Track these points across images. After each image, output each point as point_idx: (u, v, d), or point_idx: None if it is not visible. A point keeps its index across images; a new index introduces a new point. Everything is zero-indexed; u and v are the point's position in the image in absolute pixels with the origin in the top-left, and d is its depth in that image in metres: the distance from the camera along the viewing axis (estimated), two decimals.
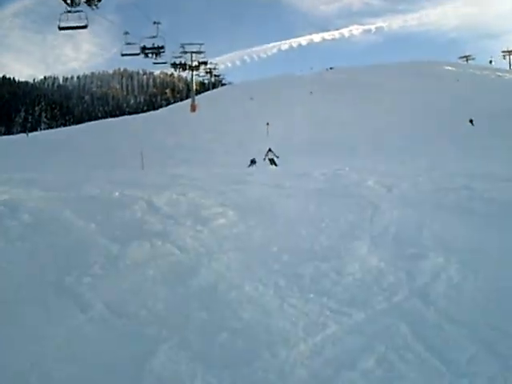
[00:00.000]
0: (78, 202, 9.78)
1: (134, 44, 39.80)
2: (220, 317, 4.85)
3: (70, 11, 27.17)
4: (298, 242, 7.34)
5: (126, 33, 39.33)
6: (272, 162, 34.16)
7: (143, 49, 42.45)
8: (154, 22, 42.43)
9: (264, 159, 33.98)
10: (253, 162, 32.24)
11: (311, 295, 5.25)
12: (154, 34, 42.57)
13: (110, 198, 10.16)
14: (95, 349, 4.38)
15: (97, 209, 9.16)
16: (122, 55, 41.35)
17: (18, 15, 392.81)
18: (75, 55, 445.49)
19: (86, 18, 27.39)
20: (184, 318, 4.87)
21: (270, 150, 35.28)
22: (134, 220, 8.52)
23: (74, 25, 27.74)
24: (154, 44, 43.53)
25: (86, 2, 27.85)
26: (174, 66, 58.76)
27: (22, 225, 8.03)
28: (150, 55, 43.84)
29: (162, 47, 43.81)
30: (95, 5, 28.02)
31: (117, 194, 10.48)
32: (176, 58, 56.33)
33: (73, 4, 27.34)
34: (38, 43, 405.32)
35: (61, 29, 28.53)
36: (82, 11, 27.44)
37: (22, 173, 15.91)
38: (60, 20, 27.41)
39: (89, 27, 27.23)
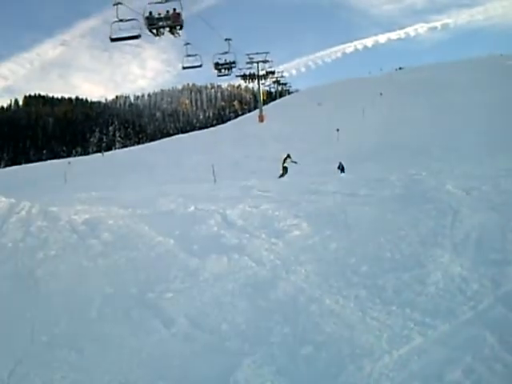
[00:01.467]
0: (155, 218, 10.04)
1: (195, 55, 40.14)
2: (302, 330, 4.85)
3: (121, 20, 26.54)
4: (377, 252, 7.18)
5: (187, 43, 39.21)
6: (285, 170, 29.12)
7: (216, 65, 45.10)
8: (226, 39, 44.52)
9: (284, 168, 28.85)
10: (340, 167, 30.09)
11: (394, 307, 5.15)
12: (226, 50, 45.29)
13: (185, 213, 10.36)
14: (179, 363, 4.50)
15: (174, 224, 9.37)
16: (184, 68, 41.73)
17: (84, 35, 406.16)
18: (142, 72, 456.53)
19: (140, 28, 26.82)
20: (266, 331, 4.90)
21: (288, 156, 30.26)
22: (211, 234, 8.66)
23: (127, 35, 27.01)
24: (225, 60, 46.52)
25: (169, 31, 29.04)
26: (243, 77, 60.35)
27: (103, 243, 8.35)
28: (222, 70, 46.34)
29: (234, 62, 46.62)
30: (177, 33, 29.45)
31: (192, 208, 10.70)
32: (240, 69, 57.14)
33: (158, 34, 28.66)
34: (106, 62, 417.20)
35: (113, 40, 27.60)
36: (135, 19, 27.07)
37: (99, 191, 16.39)
38: (111, 30, 26.89)
39: (154, 42, 27.28)
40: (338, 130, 40.23)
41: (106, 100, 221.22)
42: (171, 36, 29.78)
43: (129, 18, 26.63)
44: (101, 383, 4.28)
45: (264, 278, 6.42)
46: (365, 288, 5.80)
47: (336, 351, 4.38)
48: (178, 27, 29.10)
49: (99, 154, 69.93)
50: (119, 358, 4.66)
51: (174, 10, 28.57)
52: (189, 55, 40.52)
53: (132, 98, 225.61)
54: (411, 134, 36.98)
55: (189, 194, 14.59)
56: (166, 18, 28.55)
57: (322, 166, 30.66)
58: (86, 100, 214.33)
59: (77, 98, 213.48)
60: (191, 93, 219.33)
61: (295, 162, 29.64)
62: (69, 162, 44.63)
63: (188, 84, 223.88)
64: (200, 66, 39.34)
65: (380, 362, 4.10)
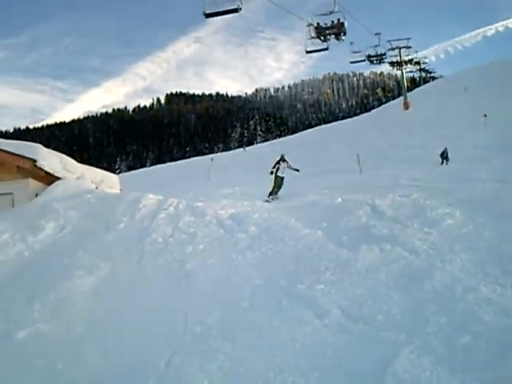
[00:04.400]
0: (301, 210, 10.20)
1: (358, 52, 44.79)
2: (459, 320, 4.76)
3: (313, 37, 31.03)
4: None
5: (352, 43, 45.87)
6: (278, 182, 18.53)
7: (368, 56, 50.05)
8: (376, 34, 49.85)
9: (271, 172, 18.85)
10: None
11: None
12: (377, 44, 50.93)
13: (332, 204, 10.43)
14: (333, 353, 4.58)
15: (320, 215, 9.48)
16: (351, 63, 46.02)
17: (218, 31, 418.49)
18: (278, 65, 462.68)
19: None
20: (422, 321, 4.86)
21: (282, 158, 19.60)
22: (360, 225, 8.67)
23: (318, 48, 30.17)
24: (376, 52, 52.33)
25: (334, 38, 32.81)
26: (391, 64, 62.57)
27: (250, 236, 8.65)
28: (374, 62, 53.44)
29: (384, 54, 51.34)
30: (341, 39, 33.23)
31: (339, 199, 10.73)
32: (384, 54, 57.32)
33: (325, 40, 32.36)
34: (241, 57, 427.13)
35: (308, 52, 32.34)
36: None
37: (242, 186, 16.93)
38: (306, 45, 29.95)
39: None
40: (485, 115, 38.37)
41: (246, 94, 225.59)
42: (335, 41, 33.62)
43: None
44: (256, 372, 4.46)
45: (419, 268, 6.33)
46: None
47: (496, 340, 4.28)
48: (342, 34, 33.10)
49: (241, 149, 71.68)
50: (272, 348, 4.82)
51: (338, 20, 32.74)
52: (354, 52, 44.70)
53: (272, 91, 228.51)
54: None
55: (333, 185, 14.68)
56: (332, 27, 32.87)
57: (470, 152, 29.44)
58: (227, 95, 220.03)
59: (217, 94, 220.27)
60: (332, 82, 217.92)
61: (296, 170, 19.26)
62: (211, 159, 46.25)
63: (329, 73, 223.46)
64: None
65: None
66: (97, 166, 29.37)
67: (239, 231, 9.15)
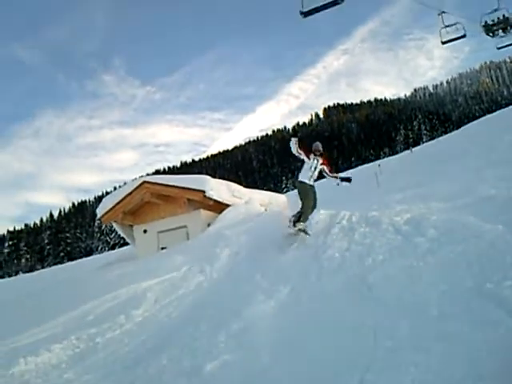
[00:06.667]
0: (478, 206, 9.84)
1: (454, 24, 39.87)
2: None
3: (448, 26, 30.53)
4: None
5: (442, 12, 40.47)
6: (306, 192, 12.49)
7: (486, 27, 44.39)
8: None
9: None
10: None
11: None
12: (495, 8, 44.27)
13: (508, 197, 9.95)
14: None
15: (497, 209, 9.10)
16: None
17: (364, 40, 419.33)
18: (430, 63, 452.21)
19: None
20: None
21: (316, 149, 12.82)
22: None
23: (454, 37, 30.90)
24: (498, 18, 45.28)
25: (502, 32, 32.73)
26: None
27: (429, 240, 8.49)
28: (496, 32, 46.10)
29: (508, 19, 45.00)
30: (509, 31, 32.71)
31: None
32: None
33: (493, 36, 32.76)
34: (392, 61, 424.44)
35: (443, 43, 31.95)
36: (458, 23, 30.63)
37: (413, 189, 16.59)
38: (441, 35, 31.07)
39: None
40: None
41: (405, 96, 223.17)
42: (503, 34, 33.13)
43: (453, 23, 31.01)
44: (453, 381, 4.38)
45: None
46: None
47: None
48: (509, 27, 32.58)
49: (408, 152, 70.34)
50: (468, 354, 4.71)
51: (503, 15, 32.67)
52: (446, 26, 39.88)
53: (431, 88, 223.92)
54: None
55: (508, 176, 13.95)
56: (499, 22, 32.65)
57: None
58: (385, 99, 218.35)
59: (375, 100, 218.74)
60: (490, 70, 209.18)
61: (348, 181, 13.02)
62: (379, 165, 45.81)
63: (485, 63, 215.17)
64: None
65: None
66: (263, 189, 30.35)
67: (417, 235, 9.00)
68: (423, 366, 4.79)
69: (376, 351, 5.48)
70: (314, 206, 12.57)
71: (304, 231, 11.85)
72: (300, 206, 12.37)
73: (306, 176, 12.42)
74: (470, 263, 6.88)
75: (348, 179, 12.80)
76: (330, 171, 12.79)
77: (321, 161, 12.60)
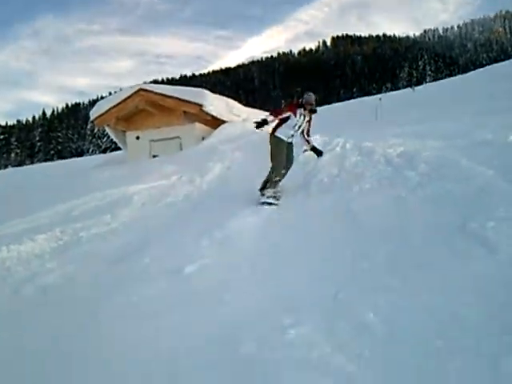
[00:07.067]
0: (472, 149, 9.86)
1: None
2: None
3: None
4: None
5: None
6: (279, 151, 10.18)
7: None
8: None
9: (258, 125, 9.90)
10: None
11: None
12: None
13: (505, 143, 9.97)
14: (506, 290, 4.50)
15: (492, 154, 9.13)
16: None
17: None
18: (443, 7, 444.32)
19: None
20: None
21: (308, 103, 10.26)
22: None
23: None
24: None
25: None
26: None
27: (419, 174, 8.58)
28: None
29: None
30: None
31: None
32: None
33: None
34: (405, 0, 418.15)
35: None
36: None
37: (412, 125, 16.54)
38: None
39: None
40: None
41: (414, 35, 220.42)
42: None
43: None
44: (425, 307, 4.49)
45: None
46: None
47: None
48: None
49: (409, 89, 69.70)
50: (443, 284, 4.83)
51: None
52: None
53: (440, 31, 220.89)
54: None
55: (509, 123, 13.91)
56: None
57: None
58: (394, 36, 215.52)
59: (384, 35, 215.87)
60: (504, 20, 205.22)
61: (318, 153, 10.98)
62: (379, 98, 45.41)
63: (501, 11, 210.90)
64: None
65: None
66: (263, 110, 30.13)
67: (408, 169, 9.09)
68: (398, 290, 4.89)
69: (353, 272, 5.62)
70: (289, 166, 10.53)
71: (270, 202, 9.55)
72: (270, 167, 10.21)
73: (284, 133, 10.18)
74: (457, 202, 6.94)
75: (319, 152, 10.86)
76: (308, 133, 10.76)
77: (307, 118, 10.37)
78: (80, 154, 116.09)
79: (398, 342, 4.02)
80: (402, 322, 4.30)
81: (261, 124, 9.64)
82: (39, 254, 8.60)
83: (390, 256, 5.76)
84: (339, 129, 18.49)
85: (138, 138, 25.63)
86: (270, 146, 10.15)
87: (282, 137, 10.11)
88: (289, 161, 10.39)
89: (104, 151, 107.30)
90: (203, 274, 6.40)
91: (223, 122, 24.48)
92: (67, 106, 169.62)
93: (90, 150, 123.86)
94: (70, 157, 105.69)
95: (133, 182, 13.55)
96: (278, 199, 9.62)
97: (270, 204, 9.42)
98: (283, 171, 10.19)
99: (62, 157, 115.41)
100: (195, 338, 4.71)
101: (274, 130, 10.23)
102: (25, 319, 6.04)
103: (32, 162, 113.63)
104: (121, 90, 28.84)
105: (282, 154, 10.08)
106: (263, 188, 10.04)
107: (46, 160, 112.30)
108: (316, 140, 12.55)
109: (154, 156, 24.32)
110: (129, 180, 14.18)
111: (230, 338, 4.58)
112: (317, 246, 6.69)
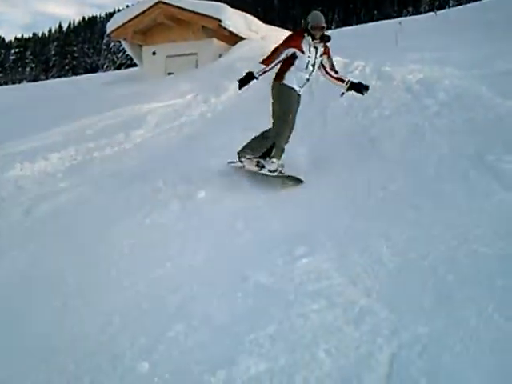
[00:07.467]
0: (494, 78, 9.62)
1: None
2: None
3: None
4: None
5: None
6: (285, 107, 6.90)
7: None
8: None
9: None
10: None
11: None
12: None
13: None
14: None
15: None
16: None
17: None
18: None
19: None
20: None
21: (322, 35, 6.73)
22: None
23: None
24: None
25: None
26: None
27: (438, 103, 8.39)
28: None
29: None
30: None
31: None
32: None
33: None
34: None
35: None
36: None
37: (432, 52, 16.13)
38: None
39: None
40: None
41: None
42: None
43: None
44: (440, 240, 4.46)
45: None
46: None
47: None
48: None
49: (432, 13, 67.93)
50: (457, 217, 4.79)
51: None
52: None
53: None
54: None
55: None
56: None
57: None
58: None
59: None
60: None
61: (360, 91, 7.04)
62: (400, 23, 44.37)
63: None
64: None
65: None
66: (282, 28, 29.46)
67: (428, 97, 8.84)
68: (412, 222, 4.88)
69: (368, 200, 5.61)
70: (293, 127, 7.12)
71: (279, 175, 6.95)
72: (273, 128, 7.07)
73: (295, 79, 6.92)
74: (475, 132, 6.82)
75: (364, 87, 7.05)
76: (333, 69, 7.23)
77: (321, 49, 6.89)
78: (95, 70, 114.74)
79: (410, 274, 4.02)
80: (413, 255, 4.28)
81: (245, 81, 6.86)
82: (52, 173, 8.63)
83: (406, 187, 5.74)
84: (358, 51, 18.08)
85: (154, 53, 25.22)
86: (272, 100, 7.08)
87: (293, 85, 6.92)
88: (293, 123, 7.13)
89: (119, 67, 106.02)
90: (215, 201, 6.47)
91: (241, 38, 23.92)
92: (83, 19, 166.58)
93: (105, 66, 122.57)
94: (85, 72, 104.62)
95: (147, 100, 13.40)
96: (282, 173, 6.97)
97: (281, 177, 6.94)
98: (288, 134, 7.06)
99: (76, 73, 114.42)
100: (205, 268, 4.73)
101: (280, 75, 6.98)
102: (36, 241, 6.09)
103: (47, 77, 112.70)
104: (138, 1, 28.25)
105: (291, 111, 6.96)
106: (264, 157, 7.19)
107: (60, 76, 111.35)
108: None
109: (170, 73, 24.01)
110: (143, 98, 14.00)
111: (239, 267, 4.62)
112: (333, 175, 6.65)
